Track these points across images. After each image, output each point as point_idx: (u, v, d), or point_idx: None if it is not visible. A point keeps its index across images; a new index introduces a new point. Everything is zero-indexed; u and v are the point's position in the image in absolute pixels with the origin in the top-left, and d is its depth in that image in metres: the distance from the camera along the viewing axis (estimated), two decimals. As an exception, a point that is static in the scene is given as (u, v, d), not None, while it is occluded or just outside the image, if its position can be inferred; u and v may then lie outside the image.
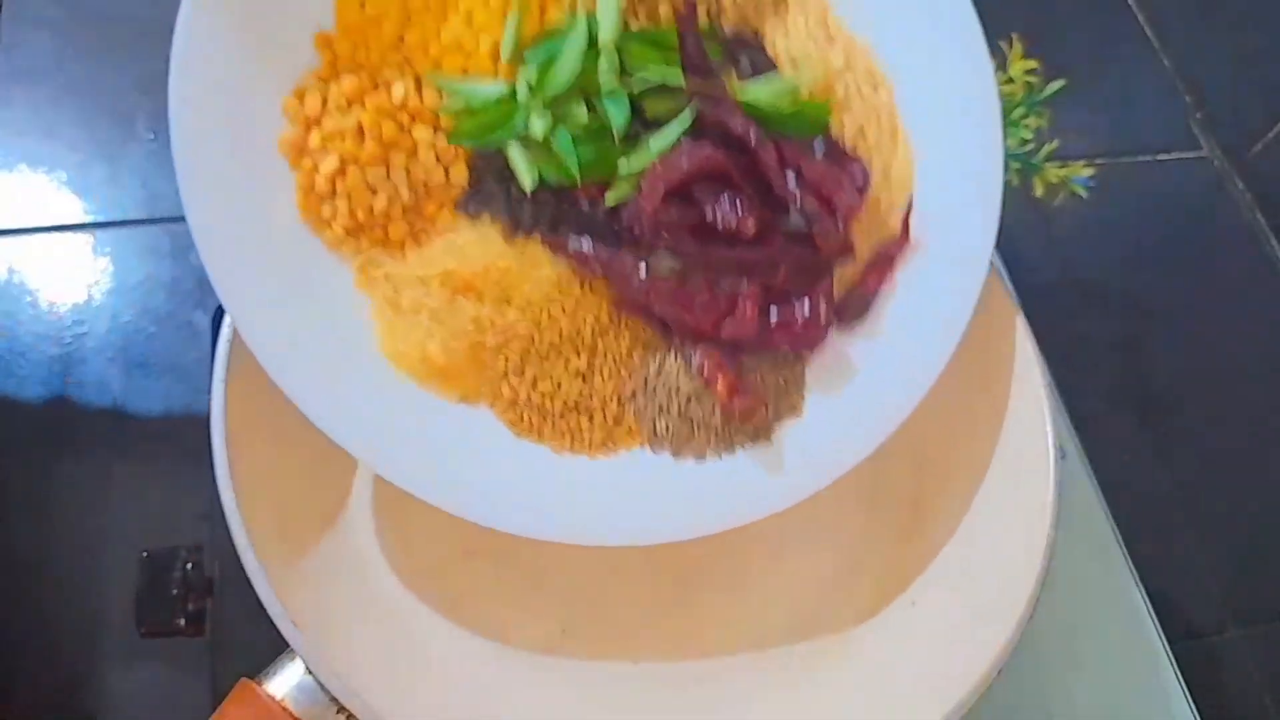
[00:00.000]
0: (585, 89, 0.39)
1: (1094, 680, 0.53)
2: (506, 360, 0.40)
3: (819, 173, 0.40)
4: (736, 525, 0.40)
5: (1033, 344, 0.43)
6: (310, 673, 0.37)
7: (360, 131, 0.39)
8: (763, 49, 0.42)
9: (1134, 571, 0.56)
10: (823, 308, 0.40)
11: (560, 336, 0.40)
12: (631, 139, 0.39)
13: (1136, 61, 0.82)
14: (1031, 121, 0.51)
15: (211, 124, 0.37)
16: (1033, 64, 0.50)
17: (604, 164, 0.39)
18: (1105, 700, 0.53)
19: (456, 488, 0.39)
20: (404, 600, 0.43)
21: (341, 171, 0.39)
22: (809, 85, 0.41)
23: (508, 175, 0.40)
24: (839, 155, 0.41)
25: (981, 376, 0.43)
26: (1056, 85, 0.51)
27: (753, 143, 0.39)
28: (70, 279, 0.60)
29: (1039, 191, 0.53)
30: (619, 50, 0.39)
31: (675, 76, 0.39)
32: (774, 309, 0.40)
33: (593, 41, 0.39)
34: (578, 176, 0.39)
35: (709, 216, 0.39)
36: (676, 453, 0.41)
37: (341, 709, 0.37)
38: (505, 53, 0.40)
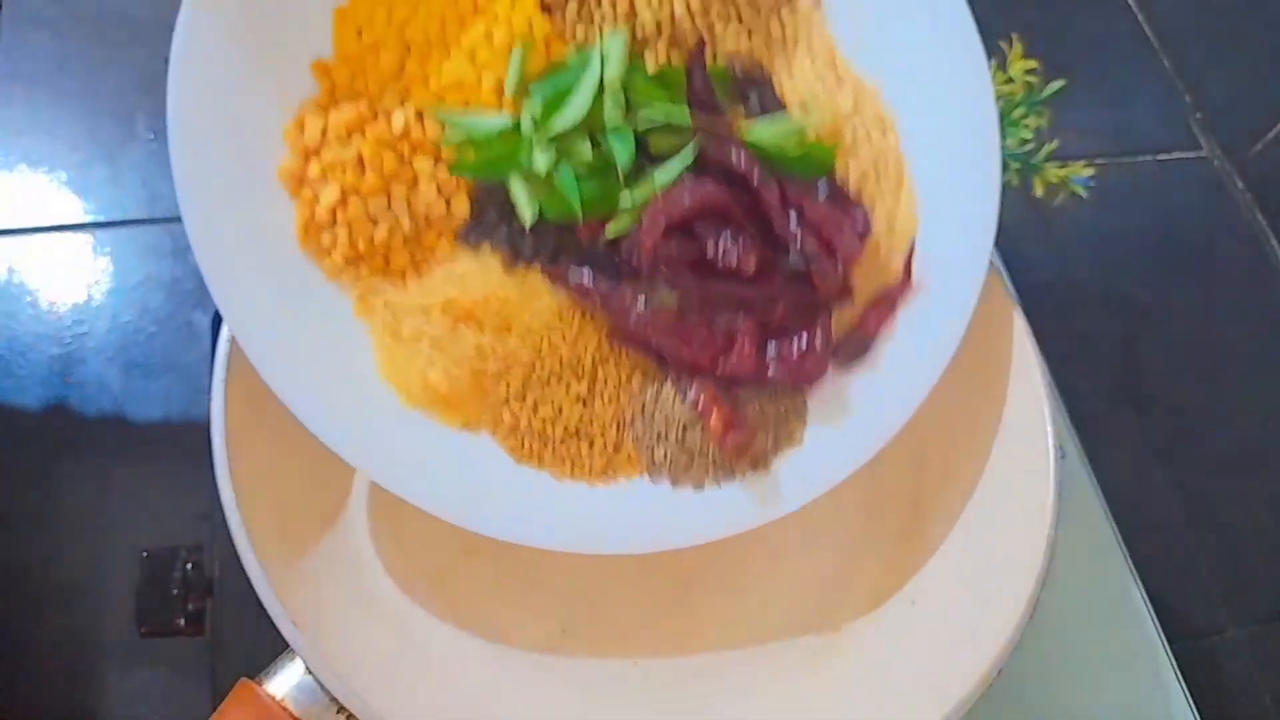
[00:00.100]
0: (590, 125, 0.39)
1: (1094, 680, 0.53)
2: (508, 386, 0.40)
3: (821, 214, 0.40)
4: (731, 535, 0.40)
5: (1033, 344, 0.43)
6: (310, 673, 0.37)
7: (361, 162, 0.39)
8: (772, 88, 0.42)
9: (1134, 571, 0.56)
10: (820, 343, 0.40)
11: (561, 363, 0.40)
12: (634, 173, 0.39)
13: (1136, 61, 0.82)
14: (1031, 121, 0.51)
15: (211, 151, 0.37)
16: (1033, 64, 0.50)
17: (606, 200, 0.39)
18: (1105, 700, 0.52)
19: (458, 505, 0.39)
20: (404, 600, 0.43)
21: (342, 202, 0.39)
22: (817, 128, 0.41)
23: (509, 206, 0.40)
24: (842, 199, 0.41)
25: (981, 376, 0.43)
26: (1056, 85, 0.51)
27: (755, 182, 0.39)
28: (70, 279, 0.60)
29: (1039, 191, 0.53)
30: (624, 86, 0.39)
31: (681, 115, 0.39)
32: (772, 344, 0.40)
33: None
34: (579, 214, 0.39)
35: (710, 253, 0.39)
36: (675, 481, 0.41)
37: (341, 709, 0.37)
38: (509, 87, 0.40)
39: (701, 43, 0.41)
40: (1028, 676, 0.49)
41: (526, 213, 0.39)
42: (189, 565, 0.52)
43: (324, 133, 0.39)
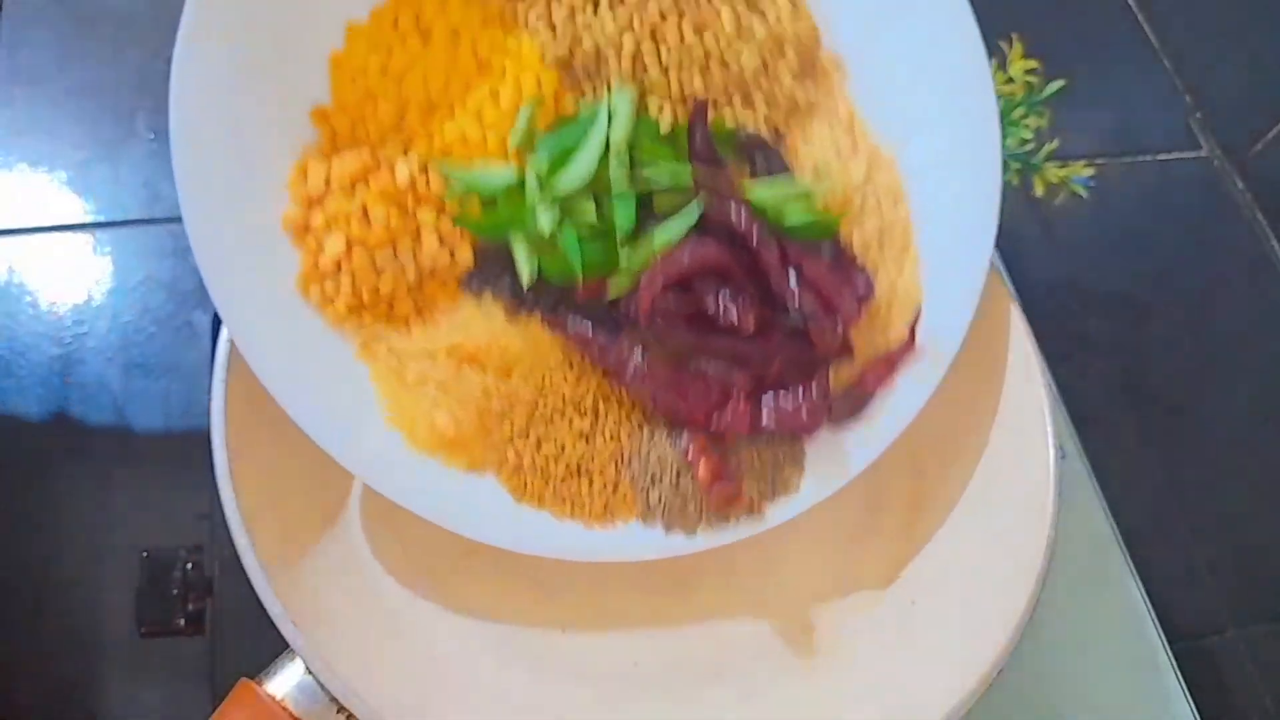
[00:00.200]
0: (594, 186, 0.39)
1: (1094, 680, 0.53)
2: (512, 424, 0.40)
3: (821, 274, 0.40)
4: (724, 544, 0.41)
5: (1033, 344, 0.44)
6: (310, 673, 0.37)
7: (365, 213, 0.39)
8: (778, 152, 0.43)
9: (1134, 571, 0.56)
10: (817, 398, 0.40)
11: (564, 400, 0.41)
12: (635, 229, 0.39)
13: (1136, 61, 0.82)
14: (1031, 121, 0.51)
15: (217, 193, 0.38)
16: (1033, 64, 0.50)
17: (607, 261, 0.39)
18: (1105, 700, 0.52)
19: (460, 523, 0.40)
20: (404, 600, 0.43)
21: (347, 252, 0.39)
22: (825, 195, 0.41)
23: (511, 258, 0.40)
24: (845, 262, 0.41)
25: (981, 376, 0.43)
26: (1056, 85, 0.51)
27: (754, 241, 0.39)
28: (70, 279, 0.60)
29: (1039, 191, 0.53)
30: (630, 144, 0.39)
31: (684, 177, 0.39)
32: (768, 397, 0.40)
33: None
34: (580, 278, 0.39)
35: (709, 309, 0.39)
36: (668, 527, 0.41)
37: (341, 709, 0.37)
38: (515, 140, 0.40)
39: (703, 102, 0.41)
40: (1028, 676, 0.49)
41: (524, 272, 0.40)
42: (189, 565, 0.52)
43: (327, 182, 0.39)
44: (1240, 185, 0.77)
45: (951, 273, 0.42)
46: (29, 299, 0.59)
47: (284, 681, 0.37)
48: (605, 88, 0.41)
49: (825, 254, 0.41)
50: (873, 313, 0.42)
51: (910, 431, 0.41)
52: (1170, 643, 0.54)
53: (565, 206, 0.39)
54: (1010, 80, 0.51)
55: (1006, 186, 0.42)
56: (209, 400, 0.39)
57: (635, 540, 0.41)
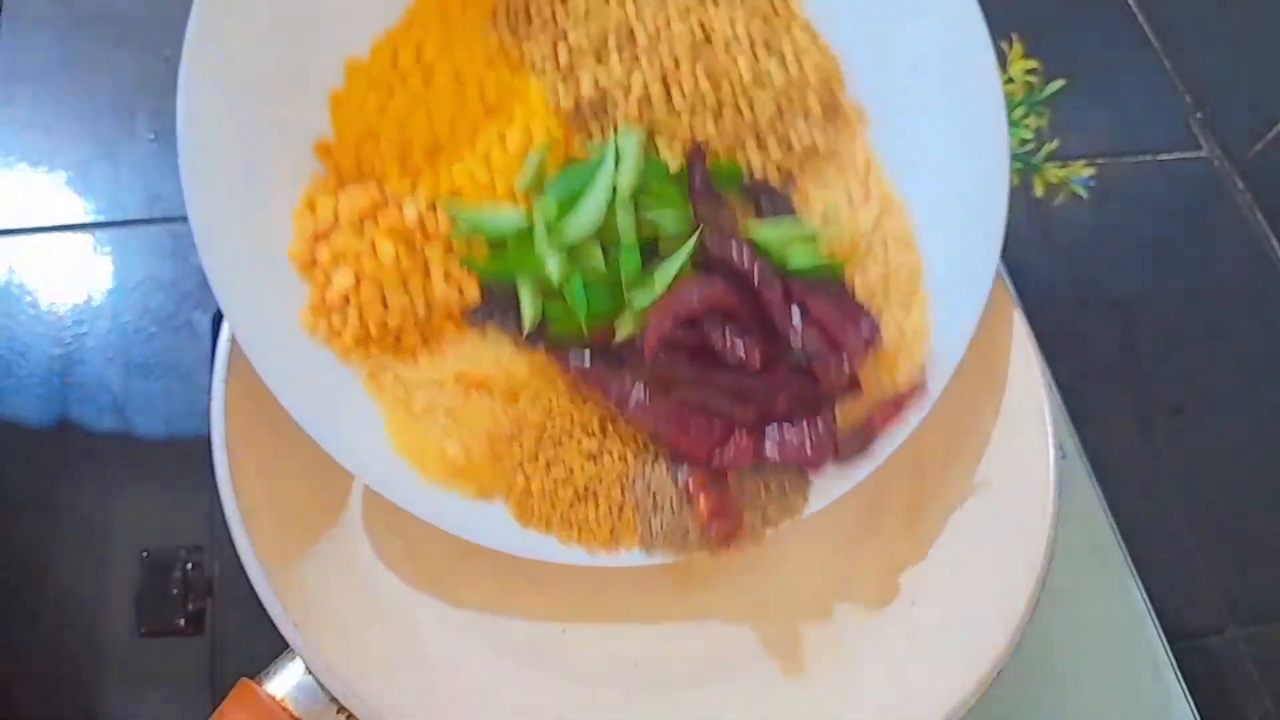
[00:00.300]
0: (602, 234, 0.39)
1: (1094, 680, 0.53)
2: (521, 447, 0.40)
3: (825, 311, 0.40)
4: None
5: (1033, 344, 0.44)
6: (310, 673, 0.37)
7: (374, 250, 0.39)
8: (786, 195, 0.43)
9: (1134, 571, 0.56)
10: (823, 433, 0.40)
11: (572, 421, 0.41)
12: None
13: (1136, 61, 0.82)
14: (1031, 121, 0.51)
15: (228, 228, 0.38)
16: (1033, 64, 0.50)
17: (612, 306, 0.39)
18: (1105, 700, 0.52)
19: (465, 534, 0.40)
20: (404, 600, 0.43)
21: (355, 287, 0.39)
22: (832, 241, 0.41)
23: (515, 294, 0.40)
24: (850, 303, 0.41)
25: (982, 376, 0.43)
26: (1056, 85, 0.51)
27: (756, 282, 0.39)
28: (70, 279, 0.60)
29: (1039, 191, 0.53)
30: (638, 187, 0.40)
31: (686, 224, 0.40)
32: (772, 431, 0.40)
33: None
34: (585, 329, 0.39)
35: (716, 344, 0.39)
36: (669, 555, 0.41)
37: (341, 709, 0.37)
38: (524, 183, 0.40)
39: (700, 146, 0.41)
40: (1028, 676, 0.49)
41: (528, 318, 0.40)
42: (189, 565, 0.52)
43: (335, 217, 0.39)
44: (1240, 185, 0.77)
45: (953, 287, 0.42)
46: (29, 299, 0.59)
47: (284, 681, 0.37)
48: (613, 129, 0.41)
49: (829, 293, 0.41)
50: (880, 354, 0.41)
51: (911, 432, 0.41)
52: (1170, 643, 0.54)
53: (573, 254, 0.39)
54: (1010, 80, 0.51)
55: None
56: (209, 400, 0.39)
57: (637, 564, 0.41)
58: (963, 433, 0.44)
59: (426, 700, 0.40)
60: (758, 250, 0.40)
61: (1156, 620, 0.55)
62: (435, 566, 0.43)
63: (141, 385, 0.57)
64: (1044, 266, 0.72)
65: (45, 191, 0.63)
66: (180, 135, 0.37)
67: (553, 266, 0.39)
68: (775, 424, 0.40)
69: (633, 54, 0.41)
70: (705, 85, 0.41)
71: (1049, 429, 0.42)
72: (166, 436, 0.56)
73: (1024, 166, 0.52)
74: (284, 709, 0.37)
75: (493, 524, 0.40)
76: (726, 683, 0.43)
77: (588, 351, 0.40)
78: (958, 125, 0.42)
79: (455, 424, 0.39)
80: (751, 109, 0.41)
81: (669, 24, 0.41)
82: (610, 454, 0.41)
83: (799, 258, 0.40)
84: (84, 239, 0.61)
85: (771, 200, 0.42)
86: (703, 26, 0.42)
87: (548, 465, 0.40)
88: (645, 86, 0.41)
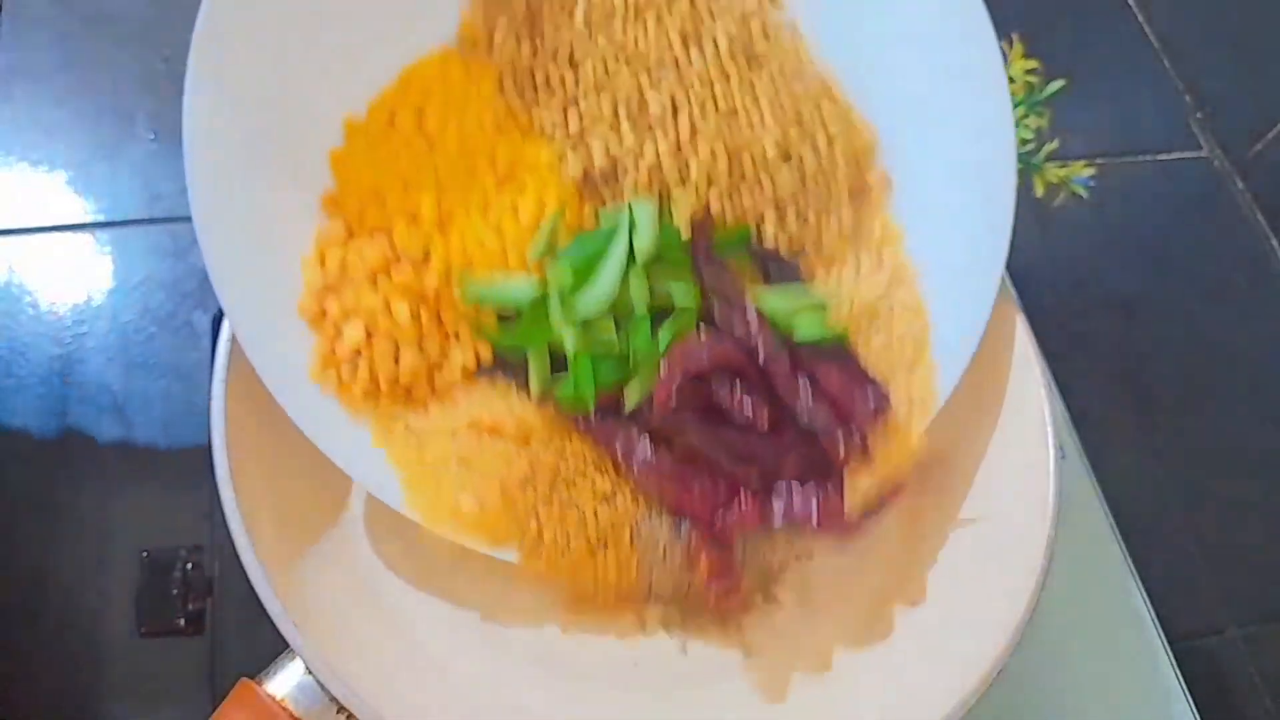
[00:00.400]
0: (615, 307, 0.39)
1: (1094, 680, 0.53)
2: (535, 490, 0.40)
3: (833, 381, 0.40)
4: None
5: (1033, 344, 0.43)
6: (310, 673, 0.37)
7: (387, 307, 0.39)
8: (795, 263, 0.42)
9: (1134, 571, 0.56)
10: (832, 499, 0.40)
11: (585, 461, 0.40)
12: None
13: (1136, 61, 0.82)
14: (1031, 121, 0.51)
15: (245, 276, 0.38)
16: (1033, 64, 0.50)
17: (619, 378, 0.39)
18: (1105, 700, 0.52)
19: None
20: (404, 600, 0.43)
21: (366, 341, 0.39)
22: (839, 310, 0.41)
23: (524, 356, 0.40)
24: (857, 372, 0.41)
25: (982, 376, 0.43)
26: (1056, 85, 0.51)
27: (761, 359, 0.39)
28: (70, 279, 0.60)
29: (1039, 191, 0.53)
30: (650, 257, 0.40)
31: (692, 299, 0.40)
32: (780, 495, 0.40)
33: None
34: (590, 407, 0.39)
35: (724, 404, 0.39)
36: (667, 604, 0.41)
37: (341, 709, 0.37)
38: (536, 251, 0.40)
39: (701, 223, 0.41)
40: (1028, 676, 0.49)
41: (534, 388, 0.40)
42: (189, 565, 0.52)
43: (345, 270, 0.39)
44: (1240, 185, 0.77)
45: (954, 304, 0.42)
46: (29, 299, 0.59)
47: (284, 681, 0.37)
48: (625, 196, 0.41)
49: (836, 361, 0.40)
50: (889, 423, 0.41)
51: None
52: (1170, 643, 0.54)
53: (586, 327, 0.39)
54: (1010, 80, 0.51)
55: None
56: (209, 400, 0.39)
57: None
58: (963, 433, 0.44)
59: (426, 700, 0.40)
60: (764, 319, 0.40)
61: (1156, 620, 0.55)
62: (435, 566, 0.43)
63: (141, 385, 0.57)
64: (1044, 266, 0.72)
65: (45, 191, 0.63)
66: (190, 186, 0.37)
67: (569, 342, 0.39)
68: (782, 486, 0.40)
69: (646, 123, 0.41)
70: (723, 160, 0.41)
71: (1049, 429, 0.42)
72: (166, 436, 0.56)
73: (1024, 166, 0.52)
74: (284, 709, 0.37)
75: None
76: (726, 683, 0.43)
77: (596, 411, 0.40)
78: (975, 187, 0.42)
79: (468, 473, 0.39)
80: (772, 183, 0.41)
81: (687, 95, 0.41)
82: (624, 494, 0.40)
83: (806, 327, 0.40)
84: (84, 239, 0.61)
85: (779, 266, 0.42)
86: (724, 98, 0.41)
87: (561, 510, 0.40)
88: (659, 156, 0.41)
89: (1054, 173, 0.53)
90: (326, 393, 0.39)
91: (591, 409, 0.39)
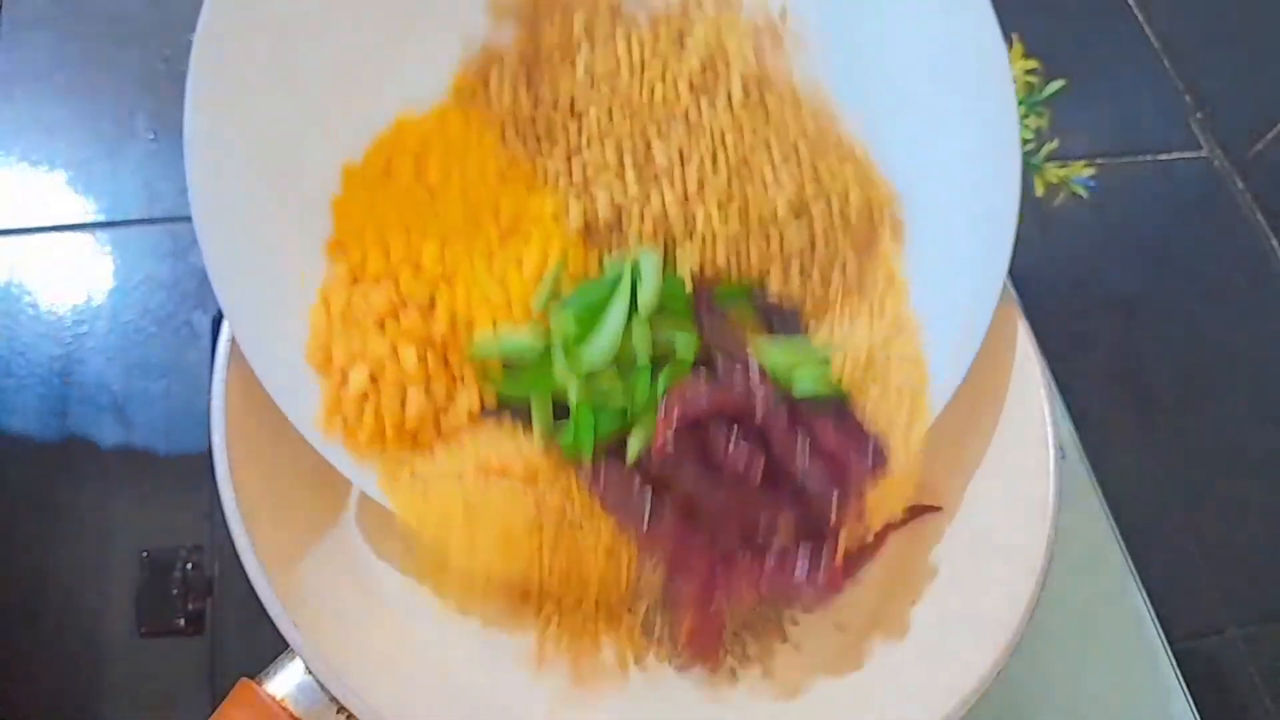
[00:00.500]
0: (619, 358, 0.39)
1: (1094, 680, 0.53)
2: (541, 531, 0.39)
3: (831, 438, 0.39)
4: None
5: (1033, 344, 0.43)
6: (310, 673, 0.37)
7: (394, 353, 0.39)
8: (795, 313, 0.42)
9: (1134, 571, 0.56)
10: (825, 567, 0.39)
11: (591, 507, 0.40)
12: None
13: (1136, 61, 0.82)
14: (1031, 121, 0.51)
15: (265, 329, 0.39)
16: (1033, 64, 0.50)
17: (620, 428, 0.39)
18: (1105, 700, 0.52)
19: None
20: (404, 600, 0.43)
21: (374, 386, 0.39)
22: (838, 365, 0.41)
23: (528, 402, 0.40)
24: (856, 431, 0.41)
25: (982, 376, 0.43)
26: (1056, 85, 0.51)
27: (759, 416, 0.39)
28: (70, 279, 0.60)
29: (1039, 191, 0.53)
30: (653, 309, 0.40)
31: (692, 349, 0.40)
32: (772, 564, 0.40)
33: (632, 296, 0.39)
34: (588, 457, 0.39)
35: (719, 454, 0.39)
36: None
37: (341, 709, 0.37)
38: (539, 304, 0.40)
39: (710, 284, 0.41)
40: (1028, 676, 0.49)
41: (539, 433, 0.40)
42: (189, 565, 0.52)
43: (350, 315, 0.39)
44: (1240, 185, 0.77)
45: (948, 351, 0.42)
46: (29, 299, 0.59)
47: (284, 681, 0.37)
48: (630, 243, 0.41)
49: (834, 416, 0.40)
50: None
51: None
52: (1170, 643, 0.54)
53: (590, 379, 0.39)
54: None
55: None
56: (209, 400, 0.39)
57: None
58: (963, 433, 0.44)
59: (426, 700, 0.40)
60: (764, 373, 0.39)
61: (1156, 620, 0.55)
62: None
63: (141, 385, 0.57)
64: (1044, 266, 0.72)
65: (45, 191, 0.63)
66: (198, 229, 0.37)
67: (572, 393, 0.39)
68: (772, 559, 0.40)
69: (653, 172, 0.41)
70: (733, 217, 0.41)
71: (1049, 429, 0.42)
72: (166, 436, 0.56)
73: (1024, 166, 0.52)
74: (284, 709, 0.37)
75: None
76: (726, 683, 0.43)
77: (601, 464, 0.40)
78: (980, 236, 0.42)
79: (473, 520, 0.39)
80: (780, 239, 0.41)
81: (696, 145, 0.41)
82: (626, 547, 0.40)
83: (806, 382, 0.40)
84: (84, 239, 0.61)
85: (782, 315, 0.42)
86: (735, 150, 0.41)
87: (565, 560, 0.40)
88: (665, 206, 0.40)
89: (1054, 173, 0.53)
90: (332, 440, 0.39)
91: (590, 459, 0.39)
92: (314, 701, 0.37)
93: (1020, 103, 0.51)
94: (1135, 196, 0.76)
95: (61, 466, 0.55)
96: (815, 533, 0.39)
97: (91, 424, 0.56)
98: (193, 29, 0.38)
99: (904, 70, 0.43)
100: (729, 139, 0.41)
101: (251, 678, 0.37)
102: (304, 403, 0.39)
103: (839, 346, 0.41)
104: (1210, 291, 0.74)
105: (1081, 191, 0.53)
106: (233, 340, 0.39)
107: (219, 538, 0.52)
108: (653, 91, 0.42)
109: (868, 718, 0.41)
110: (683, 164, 0.41)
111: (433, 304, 0.40)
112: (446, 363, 0.40)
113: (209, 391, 0.39)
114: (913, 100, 0.43)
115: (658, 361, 0.40)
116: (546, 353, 0.40)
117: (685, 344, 0.40)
